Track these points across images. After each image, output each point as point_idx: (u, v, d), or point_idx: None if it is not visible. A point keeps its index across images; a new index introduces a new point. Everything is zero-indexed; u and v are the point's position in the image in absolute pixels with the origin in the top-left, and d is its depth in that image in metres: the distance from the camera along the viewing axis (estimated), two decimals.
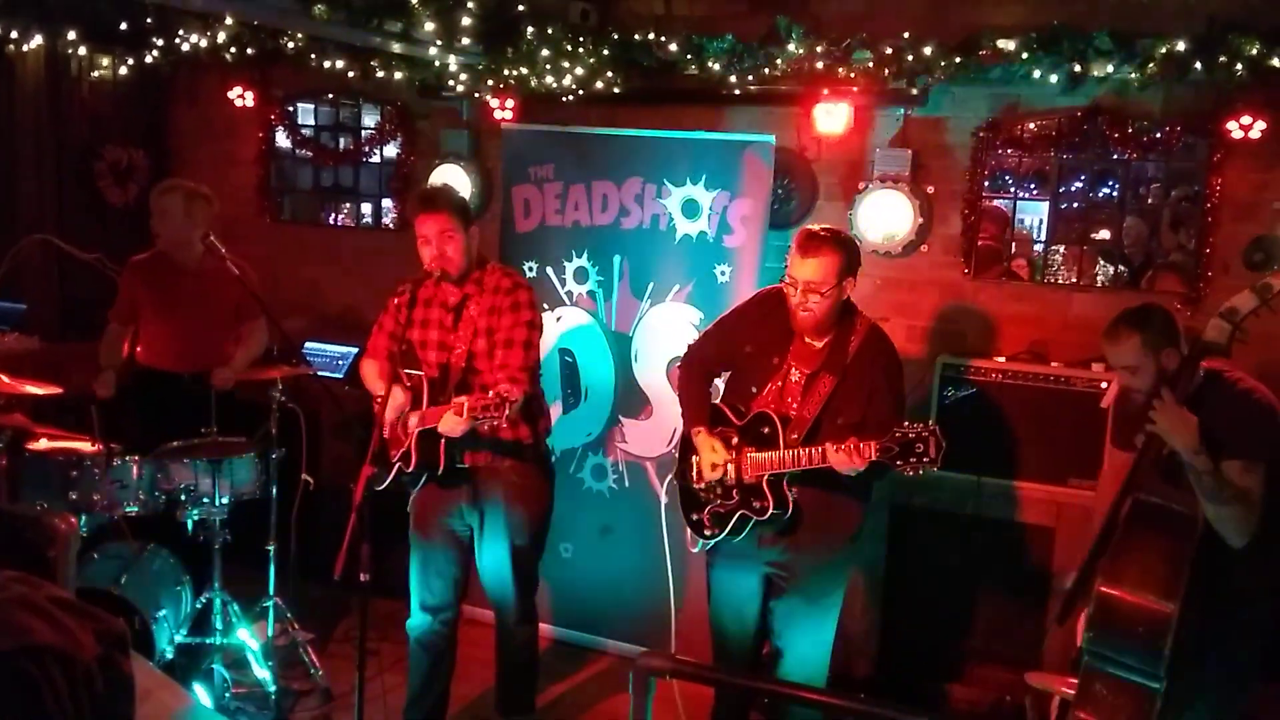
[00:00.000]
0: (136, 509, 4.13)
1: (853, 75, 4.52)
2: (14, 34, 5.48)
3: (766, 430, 3.48)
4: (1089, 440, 4.21)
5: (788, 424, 3.46)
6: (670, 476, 3.98)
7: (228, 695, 4.20)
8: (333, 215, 6.53)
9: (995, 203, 4.90)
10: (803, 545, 3.56)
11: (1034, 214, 5.02)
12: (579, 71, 4.88)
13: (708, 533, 3.58)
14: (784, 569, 3.62)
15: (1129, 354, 3.16)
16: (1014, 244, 4.94)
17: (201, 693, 4.09)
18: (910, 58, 4.42)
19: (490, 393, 3.32)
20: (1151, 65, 4.15)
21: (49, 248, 5.87)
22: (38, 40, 5.62)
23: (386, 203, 6.26)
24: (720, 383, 3.86)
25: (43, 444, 4.12)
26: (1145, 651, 2.90)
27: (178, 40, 5.52)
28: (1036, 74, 4.33)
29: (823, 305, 3.42)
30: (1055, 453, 4.40)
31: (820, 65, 4.53)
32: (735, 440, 3.54)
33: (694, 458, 3.63)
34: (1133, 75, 4.22)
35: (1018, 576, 4.52)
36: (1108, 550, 3.07)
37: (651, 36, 4.78)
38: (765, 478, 3.44)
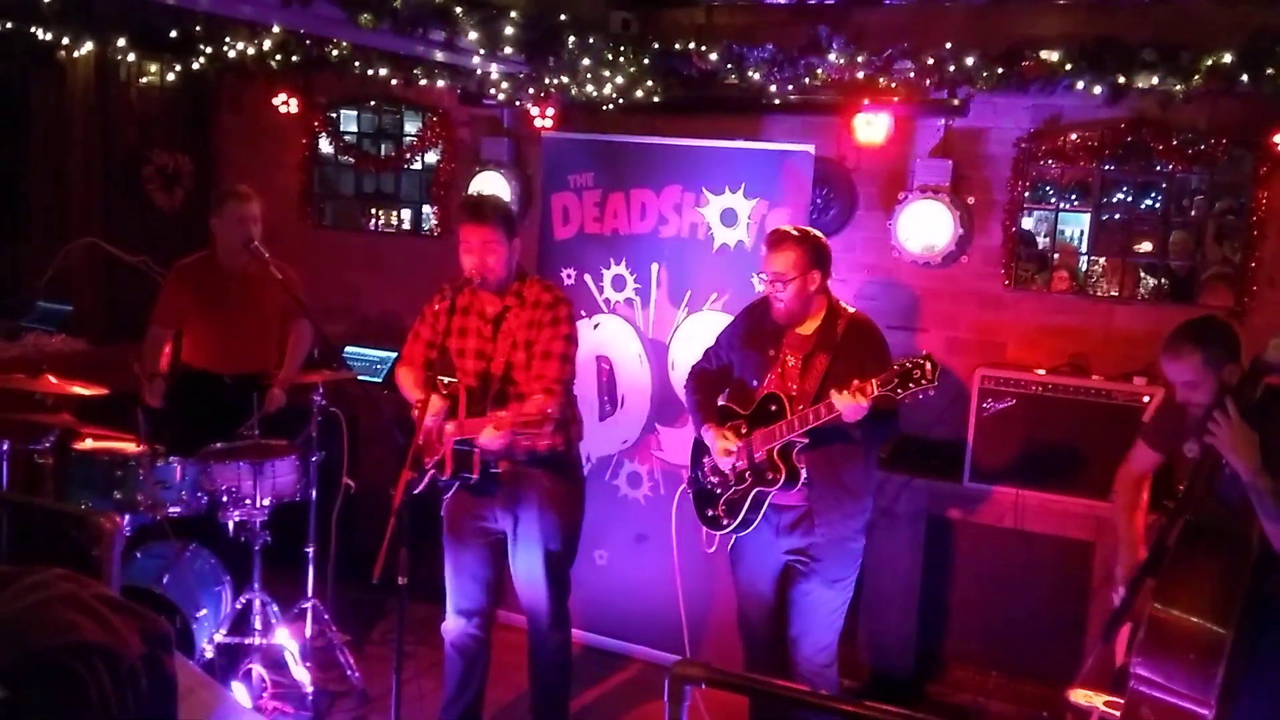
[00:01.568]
0: (179, 509, 4.19)
1: (894, 85, 4.51)
2: (65, 40, 5.57)
3: (774, 408, 3.67)
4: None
5: (792, 400, 3.65)
6: (682, 488, 4.03)
7: (266, 695, 4.24)
8: (373, 221, 6.59)
9: (1036, 213, 4.87)
10: (820, 525, 3.67)
11: (1075, 225, 4.98)
12: (619, 80, 4.90)
13: (725, 523, 3.75)
14: (803, 554, 3.74)
15: (1189, 370, 3.11)
16: (1055, 255, 4.90)
17: (240, 692, 4.13)
18: (952, 68, 4.40)
19: (531, 408, 3.36)
20: (1197, 78, 4.10)
21: (96, 251, 5.97)
22: (88, 46, 5.72)
23: (427, 209, 6.31)
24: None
25: (89, 444, 4.19)
26: (1197, 677, 2.84)
27: (224, 47, 5.60)
28: (1079, 85, 4.29)
29: (789, 293, 3.66)
30: (1095, 466, 4.35)
31: (861, 75, 4.52)
32: (745, 430, 3.72)
33: (705, 459, 3.83)
34: (1178, 87, 4.17)
35: (1056, 591, 4.48)
36: (1159, 571, 3.02)
37: (692, 46, 4.79)
38: (776, 449, 3.61)
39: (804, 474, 3.62)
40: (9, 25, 5.27)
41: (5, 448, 4.07)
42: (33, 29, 5.35)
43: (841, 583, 3.78)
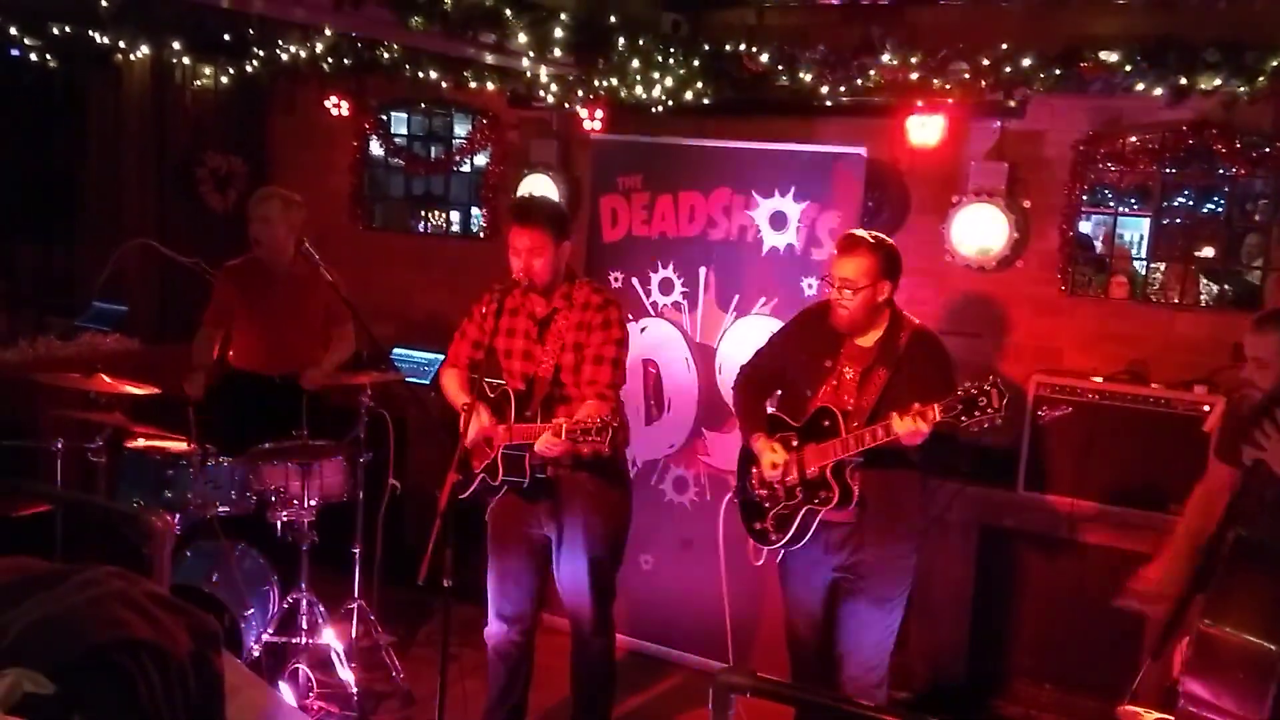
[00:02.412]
0: (228, 509, 4.24)
1: (948, 87, 4.44)
2: (122, 44, 5.65)
3: (827, 423, 3.53)
4: (1190, 465, 4.06)
5: (847, 415, 3.52)
6: (729, 496, 3.97)
7: (312, 695, 4.26)
8: (422, 223, 6.62)
9: (1095, 217, 4.77)
10: (869, 544, 3.58)
11: (1134, 230, 4.88)
12: (669, 82, 4.88)
13: (774, 538, 3.64)
14: (852, 572, 3.64)
15: (1269, 347, 3.09)
16: (1113, 260, 4.81)
17: (287, 691, 4.14)
18: (1008, 69, 4.33)
19: (590, 415, 3.34)
20: (1262, 79, 4.00)
21: (151, 252, 6.05)
22: (144, 50, 5.80)
23: (476, 211, 6.32)
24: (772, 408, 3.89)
25: (141, 443, 4.24)
26: (1246, 695, 2.76)
27: (277, 50, 5.65)
28: (1140, 86, 4.21)
29: (856, 302, 3.53)
30: (1154, 477, 4.25)
31: (915, 76, 4.45)
32: (795, 442, 3.59)
33: (753, 469, 3.71)
34: (1241, 89, 4.07)
35: (1111, 604, 4.38)
36: (1209, 586, 2.94)
37: (743, 47, 4.75)
38: (829, 467, 3.49)
39: (857, 494, 3.50)
40: (67, 29, 5.36)
41: (60, 446, 4.12)
42: (90, 32, 5.43)
43: (891, 602, 3.68)
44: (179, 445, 4.24)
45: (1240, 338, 3.33)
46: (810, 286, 4.52)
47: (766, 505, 3.67)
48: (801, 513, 3.56)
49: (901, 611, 3.74)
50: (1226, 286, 4.63)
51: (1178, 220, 4.72)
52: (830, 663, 3.81)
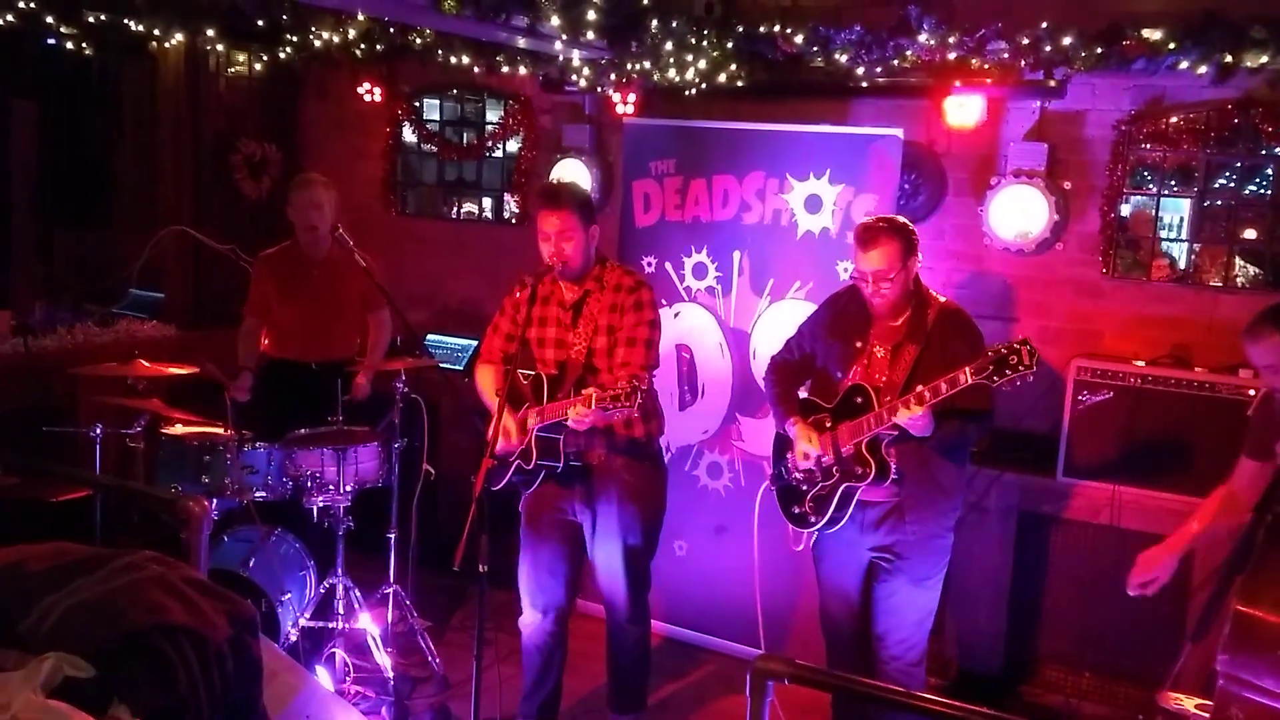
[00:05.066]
0: (265, 494, 4.26)
1: (987, 67, 4.37)
2: (157, 31, 5.68)
3: (860, 400, 3.54)
4: (1234, 450, 3.99)
5: (879, 391, 3.51)
6: (765, 484, 3.94)
7: (348, 679, 4.28)
8: (455, 209, 6.62)
9: (1136, 199, 4.69)
10: (908, 521, 3.57)
11: (1175, 212, 4.79)
12: (702, 65, 4.84)
13: (813, 520, 3.63)
14: (889, 552, 3.63)
15: (1270, 352, 3.06)
16: (1154, 242, 4.72)
17: (323, 676, 4.17)
18: (1048, 48, 4.24)
19: (619, 382, 3.32)
20: None
21: (186, 238, 6.09)
22: (179, 37, 5.82)
23: (508, 197, 6.31)
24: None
25: (178, 429, 4.27)
26: None
27: (310, 36, 5.65)
28: (1184, 65, 4.11)
29: (894, 288, 3.53)
30: (1197, 462, 4.18)
31: (952, 56, 4.38)
32: (829, 423, 3.60)
33: (789, 454, 3.71)
34: None
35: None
36: (1245, 568, 2.91)
37: (777, 29, 4.70)
38: (864, 443, 3.50)
39: (894, 468, 3.51)
40: (103, 17, 5.38)
41: (99, 431, 4.15)
42: (126, 20, 5.45)
43: (928, 581, 3.67)
44: (216, 431, 4.26)
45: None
46: (845, 270, 4.47)
47: (804, 488, 3.67)
48: (839, 491, 3.56)
49: (938, 592, 3.72)
50: (1260, 271, 4.52)
51: (1220, 202, 4.63)
52: (867, 646, 3.79)
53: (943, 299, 3.64)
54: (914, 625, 3.70)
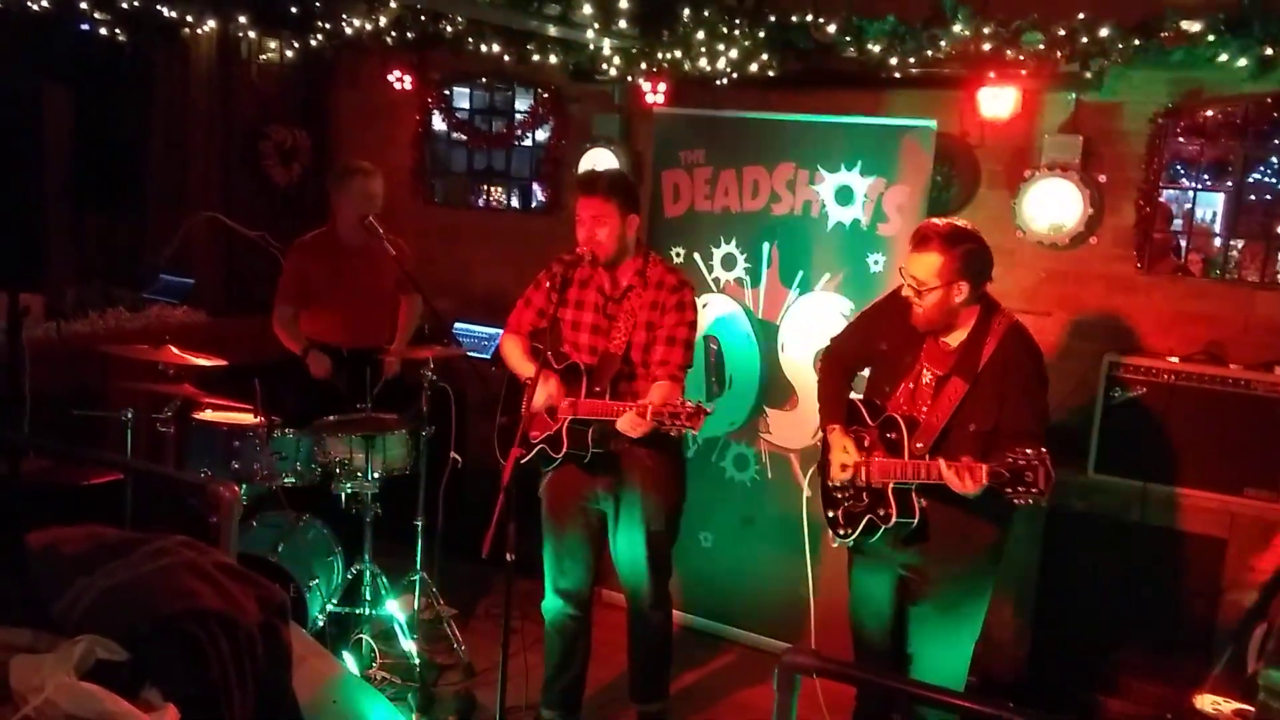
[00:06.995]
0: (294, 480, 4.29)
1: (1022, 58, 4.32)
2: (189, 18, 5.70)
3: (893, 436, 3.34)
4: (1270, 448, 3.95)
5: (915, 430, 3.30)
6: (813, 469, 3.88)
7: (375, 665, 4.30)
8: (484, 198, 6.62)
9: (1171, 193, 4.63)
10: (933, 554, 3.42)
11: (1210, 206, 4.73)
12: (734, 54, 4.80)
13: (841, 531, 3.50)
14: (917, 573, 3.50)
15: None
16: (1189, 237, 4.66)
17: (350, 661, 4.19)
18: (1084, 39, 4.19)
19: (686, 402, 3.29)
20: None
21: (217, 225, 6.11)
22: (211, 24, 5.84)
23: (537, 186, 6.30)
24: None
25: (208, 414, 4.29)
26: None
27: (342, 24, 5.66)
28: (1223, 57, 4.05)
29: (928, 303, 3.26)
30: (1231, 460, 4.14)
31: (987, 47, 4.33)
32: (868, 441, 3.42)
33: (830, 456, 3.56)
34: None
35: (1184, 589, 4.27)
36: None
37: (809, 18, 4.66)
38: (891, 485, 3.31)
39: (920, 512, 3.30)
40: (135, 3, 5.40)
41: (129, 416, 4.18)
42: (158, 6, 5.47)
43: (959, 611, 3.47)
44: (246, 417, 4.28)
45: None
46: (876, 263, 4.44)
47: (838, 496, 3.52)
48: (866, 518, 3.40)
49: (976, 630, 3.54)
50: None
51: (1254, 196, 4.56)
52: (900, 660, 3.66)
53: (1010, 321, 3.33)
54: (947, 652, 3.51)
